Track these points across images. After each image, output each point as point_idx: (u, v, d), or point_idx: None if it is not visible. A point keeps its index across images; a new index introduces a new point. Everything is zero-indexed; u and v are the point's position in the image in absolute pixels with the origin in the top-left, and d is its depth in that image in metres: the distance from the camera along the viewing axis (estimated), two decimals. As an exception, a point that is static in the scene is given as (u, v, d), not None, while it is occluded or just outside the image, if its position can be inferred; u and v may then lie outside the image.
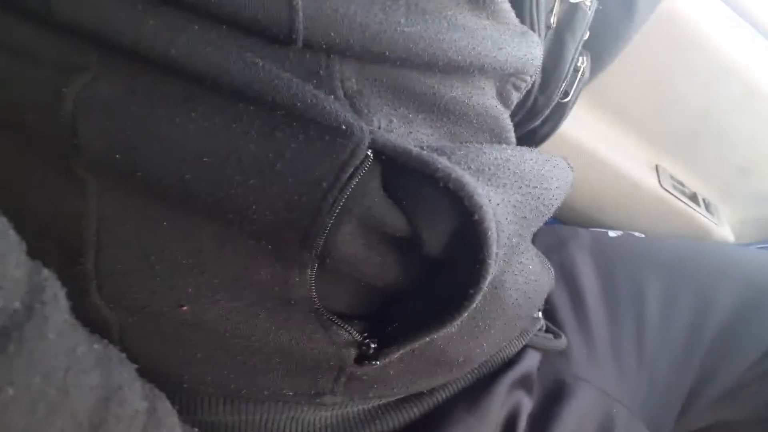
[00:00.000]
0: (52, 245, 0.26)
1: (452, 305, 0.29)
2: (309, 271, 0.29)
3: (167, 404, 0.28)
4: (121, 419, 0.24)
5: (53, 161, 0.26)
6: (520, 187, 0.32)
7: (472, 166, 0.30)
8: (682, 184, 0.73)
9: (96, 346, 0.25)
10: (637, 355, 0.49)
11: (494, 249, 0.27)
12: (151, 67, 0.25)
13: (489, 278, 0.27)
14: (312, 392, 0.33)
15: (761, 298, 0.52)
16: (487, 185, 0.30)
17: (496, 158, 0.31)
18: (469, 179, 0.27)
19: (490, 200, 0.29)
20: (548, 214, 0.35)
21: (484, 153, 0.31)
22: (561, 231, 0.61)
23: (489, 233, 0.27)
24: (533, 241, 0.55)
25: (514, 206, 0.31)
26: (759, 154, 0.70)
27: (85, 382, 0.23)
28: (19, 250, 0.22)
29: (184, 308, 0.28)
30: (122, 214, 0.27)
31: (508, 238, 0.30)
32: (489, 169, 0.30)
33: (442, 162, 0.27)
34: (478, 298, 0.28)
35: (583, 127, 0.67)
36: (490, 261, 0.27)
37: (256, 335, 0.30)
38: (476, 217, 0.27)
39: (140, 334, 0.30)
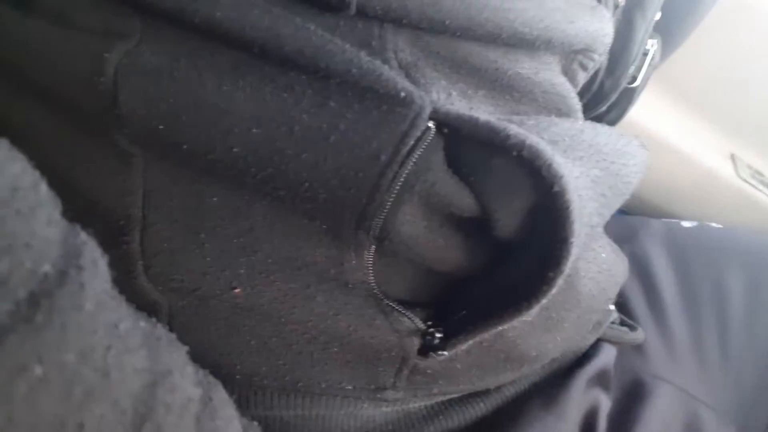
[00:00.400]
0: (96, 224, 0.24)
1: (528, 291, 0.26)
2: (366, 253, 0.27)
3: (223, 393, 0.26)
4: (171, 408, 0.22)
5: (97, 134, 0.25)
6: (598, 161, 0.29)
7: (545, 136, 0.27)
8: (761, 174, 0.68)
9: (142, 323, 0.23)
10: (721, 353, 0.46)
11: (577, 226, 0.24)
12: (195, 33, 0.23)
13: (571, 260, 0.25)
14: (372, 386, 0.31)
15: None
16: (563, 157, 0.27)
17: (569, 128, 0.28)
18: (545, 146, 0.24)
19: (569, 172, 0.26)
20: (626, 194, 0.32)
21: (556, 124, 0.28)
22: (630, 221, 0.57)
23: (571, 207, 0.24)
24: (602, 230, 0.52)
25: (593, 181, 0.28)
26: None
27: (129, 363, 0.20)
28: (52, 207, 0.20)
29: (237, 290, 0.27)
30: (170, 188, 0.25)
31: (588, 217, 0.27)
32: (564, 140, 0.28)
33: (514, 128, 0.24)
34: (559, 282, 0.25)
35: (651, 113, 0.63)
36: (572, 240, 0.24)
37: (312, 320, 0.28)
38: (556, 188, 0.24)
39: (191, 319, 0.28)
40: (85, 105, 0.24)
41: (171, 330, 0.27)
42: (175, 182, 0.25)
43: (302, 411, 0.32)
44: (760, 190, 0.65)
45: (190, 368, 0.25)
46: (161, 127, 0.23)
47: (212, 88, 0.23)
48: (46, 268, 0.18)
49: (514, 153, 0.24)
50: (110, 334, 0.20)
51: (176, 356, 0.24)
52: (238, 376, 0.30)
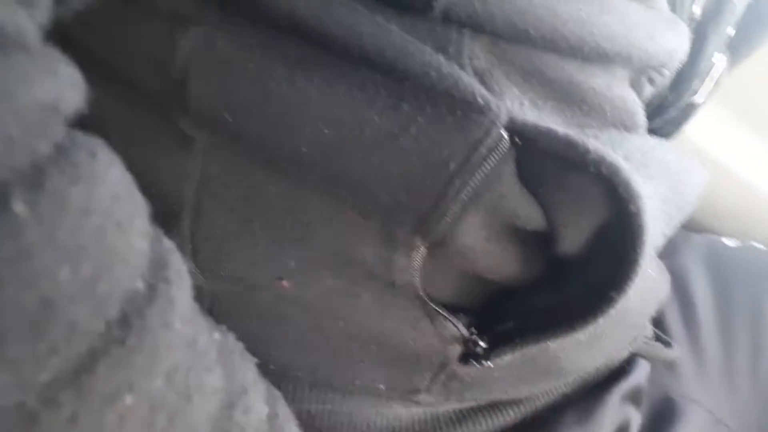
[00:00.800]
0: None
1: (586, 309, 0.25)
2: (416, 255, 0.26)
3: (287, 407, 0.26)
4: (245, 430, 0.21)
5: (160, 115, 0.24)
6: (667, 180, 0.28)
7: (619, 152, 0.26)
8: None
9: (216, 335, 0.22)
10: (752, 379, 0.45)
11: (648, 247, 0.24)
12: (272, 25, 0.22)
13: (636, 281, 0.24)
14: (407, 389, 0.30)
15: None
16: (637, 174, 0.26)
17: (642, 145, 0.27)
18: (623, 163, 0.23)
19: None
20: (688, 214, 0.31)
21: (628, 140, 0.27)
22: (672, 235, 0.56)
23: (646, 228, 0.23)
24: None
25: (662, 201, 0.27)
26: None
27: (208, 383, 0.19)
28: (145, 215, 0.19)
29: (284, 283, 0.26)
30: (228, 175, 0.25)
31: (654, 237, 0.26)
32: (636, 156, 0.27)
33: (593, 143, 0.23)
34: (622, 302, 0.24)
35: (705, 128, 0.61)
36: (641, 261, 0.24)
37: (355, 318, 0.28)
38: (633, 208, 0.23)
39: (233, 307, 0.28)
40: (153, 87, 0.23)
41: (211, 317, 0.27)
42: (234, 170, 0.25)
43: (332, 406, 0.31)
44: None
45: (261, 385, 0.24)
46: (228, 117, 0.23)
47: (285, 82, 0.22)
48: (139, 284, 0.17)
49: (592, 169, 0.23)
50: (192, 352, 0.19)
51: (249, 372, 0.24)
52: (272, 366, 0.29)
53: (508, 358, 0.28)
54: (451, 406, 0.33)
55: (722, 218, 0.65)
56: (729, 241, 0.56)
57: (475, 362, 0.29)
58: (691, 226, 0.67)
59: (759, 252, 0.55)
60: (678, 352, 0.42)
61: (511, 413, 0.35)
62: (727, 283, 0.49)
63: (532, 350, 0.28)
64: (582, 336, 0.26)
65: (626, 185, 0.23)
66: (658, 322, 0.44)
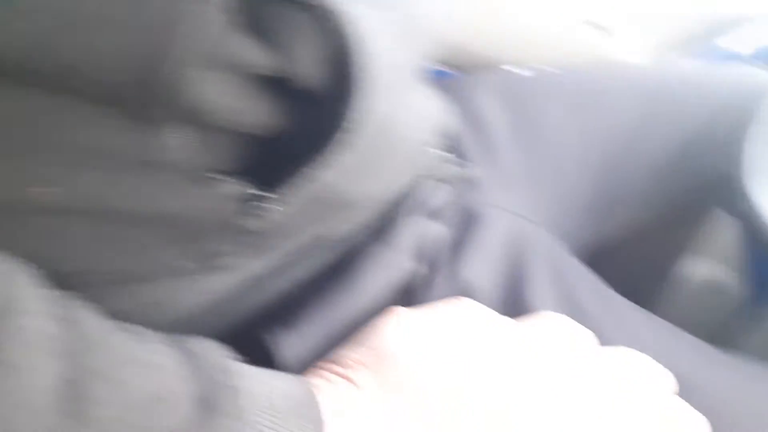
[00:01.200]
0: None
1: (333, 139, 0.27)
2: (167, 129, 0.27)
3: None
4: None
5: None
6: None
7: None
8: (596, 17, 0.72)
9: None
10: (554, 181, 0.51)
11: (373, 72, 0.26)
12: None
13: (370, 107, 0.26)
14: (206, 256, 0.32)
15: (662, 112, 0.54)
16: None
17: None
18: None
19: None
20: (432, 36, 0.34)
21: None
22: (469, 79, 0.60)
23: (364, 54, 0.25)
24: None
25: (389, 24, 0.29)
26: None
27: None
28: None
29: (40, 190, 0.26)
30: None
31: (390, 64, 0.29)
32: None
33: None
34: (362, 130, 0.26)
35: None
36: (366, 87, 0.26)
37: (132, 205, 0.28)
38: (347, 34, 0.25)
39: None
40: None
41: None
42: None
43: (143, 298, 0.32)
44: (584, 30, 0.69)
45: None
46: None
47: None
48: None
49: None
50: None
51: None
52: (63, 279, 0.28)
53: (291, 201, 0.30)
54: (264, 262, 0.36)
55: (516, 51, 0.70)
56: (525, 72, 0.61)
57: (256, 213, 0.30)
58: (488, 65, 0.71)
59: (552, 75, 0.60)
60: (474, 170, 0.47)
61: (327, 254, 0.38)
62: (519, 104, 0.54)
63: (309, 188, 0.30)
64: (349, 162, 0.29)
65: (340, 13, 0.25)
66: (454, 148, 0.48)
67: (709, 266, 0.90)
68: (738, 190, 0.49)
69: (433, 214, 0.42)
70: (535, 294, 0.40)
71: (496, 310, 0.35)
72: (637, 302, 0.58)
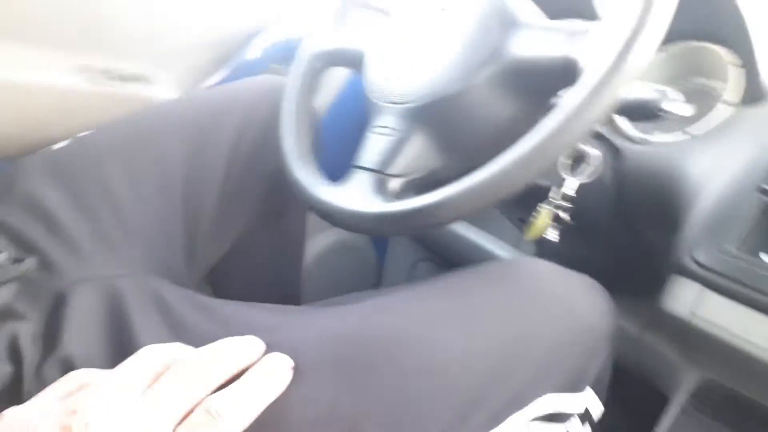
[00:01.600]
0: None
1: None
2: None
3: None
4: None
5: None
6: None
7: None
8: (111, 71, 0.75)
9: None
10: (123, 228, 0.53)
11: None
12: None
13: None
14: None
15: (207, 132, 0.60)
16: None
17: None
18: None
19: None
20: None
21: None
22: (13, 169, 0.58)
23: None
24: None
25: None
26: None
27: None
28: None
29: None
30: None
31: None
32: None
33: None
34: None
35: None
36: None
37: None
38: None
39: None
40: None
41: None
42: None
43: None
44: (118, 87, 0.72)
45: None
46: None
47: None
48: None
49: None
50: None
51: None
52: None
53: None
54: None
55: (48, 130, 0.68)
56: (60, 145, 0.60)
57: None
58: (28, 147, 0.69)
59: (88, 137, 0.61)
60: (30, 262, 0.47)
61: None
62: (71, 176, 0.55)
63: None
64: None
65: None
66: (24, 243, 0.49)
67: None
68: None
69: (5, 314, 0.42)
70: (142, 329, 0.44)
71: (110, 357, 0.39)
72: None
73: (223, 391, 0.34)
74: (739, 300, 0.50)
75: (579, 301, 0.50)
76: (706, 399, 0.64)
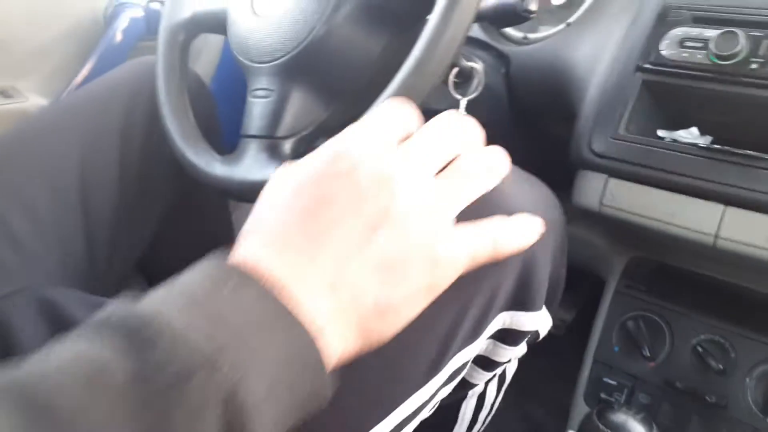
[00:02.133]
0: None
1: None
2: None
3: None
4: None
5: None
6: None
7: None
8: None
9: None
10: (13, 247, 0.51)
11: None
12: None
13: None
14: None
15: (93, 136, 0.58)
16: None
17: None
18: None
19: None
20: None
21: None
22: None
23: None
24: None
25: None
26: None
27: None
28: None
29: None
30: None
31: None
32: None
33: None
34: None
35: None
36: None
37: None
38: None
39: None
40: None
41: None
42: None
43: None
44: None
45: None
46: None
47: None
48: None
49: None
50: None
51: None
52: None
53: None
54: None
55: None
56: None
57: None
58: None
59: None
60: None
61: None
62: None
63: None
64: None
65: None
66: None
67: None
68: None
69: None
70: (31, 345, 0.42)
71: None
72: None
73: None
74: (641, 182, 0.52)
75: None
76: (637, 275, 0.67)
